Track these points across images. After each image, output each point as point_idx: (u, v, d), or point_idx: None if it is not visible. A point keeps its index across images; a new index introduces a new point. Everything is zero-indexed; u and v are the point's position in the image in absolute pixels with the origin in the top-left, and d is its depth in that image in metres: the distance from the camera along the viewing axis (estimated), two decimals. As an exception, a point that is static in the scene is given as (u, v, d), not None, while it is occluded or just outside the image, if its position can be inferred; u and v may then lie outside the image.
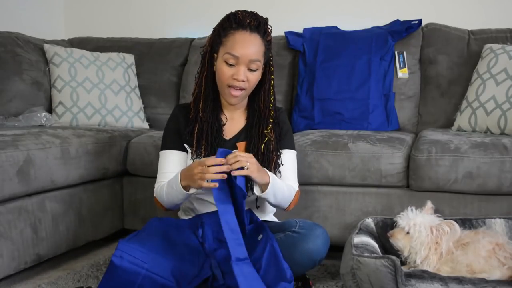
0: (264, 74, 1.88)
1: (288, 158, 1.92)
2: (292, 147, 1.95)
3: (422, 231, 1.74)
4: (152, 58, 3.15)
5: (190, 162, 1.84)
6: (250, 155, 1.72)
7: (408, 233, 1.76)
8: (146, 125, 2.93)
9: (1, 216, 1.92)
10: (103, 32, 3.41)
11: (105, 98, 2.83)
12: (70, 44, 3.25)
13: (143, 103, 3.00)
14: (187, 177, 1.72)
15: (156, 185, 1.89)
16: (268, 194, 1.76)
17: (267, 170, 1.77)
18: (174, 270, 1.65)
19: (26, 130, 2.21)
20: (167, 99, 3.08)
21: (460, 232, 1.76)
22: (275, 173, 1.85)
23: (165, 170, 1.88)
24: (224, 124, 1.89)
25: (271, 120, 1.87)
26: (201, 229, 1.82)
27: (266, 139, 1.85)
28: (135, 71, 3.04)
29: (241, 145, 1.87)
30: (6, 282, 2.04)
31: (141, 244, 1.66)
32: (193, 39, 3.20)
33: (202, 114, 1.85)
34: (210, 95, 1.87)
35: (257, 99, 1.90)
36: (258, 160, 1.79)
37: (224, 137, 1.88)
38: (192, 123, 1.86)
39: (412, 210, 1.80)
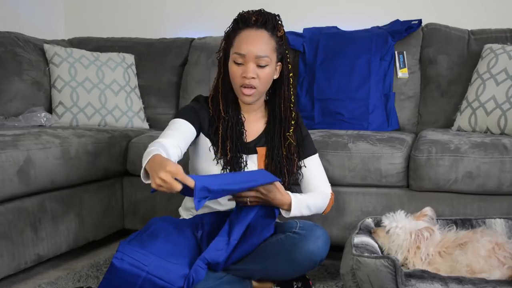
0: (281, 72, 1.88)
1: (315, 164, 1.94)
2: (315, 151, 1.97)
3: (400, 234, 1.74)
4: (152, 58, 3.15)
5: (213, 162, 1.84)
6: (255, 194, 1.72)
7: (388, 232, 1.78)
8: (146, 125, 2.93)
9: (1, 216, 1.92)
10: (103, 32, 3.41)
11: (105, 98, 2.83)
12: (70, 44, 3.25)
13: (143, 103, 3.00)
14: (153, 167, 1.51)
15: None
16: (294, 214, 1.80)
17: (289, 193, 1.79)
18: (175, 273, 1.65)
19: (26, 130, 2.21)
20: (167, 99, 3.08)
21: (439, 237, 1.76)
22: (296, 175, 1.89)
23: (169, 130, 1.76)
24: (243, 124, 1.89)
25: (292, 122, 1.88)
26: (201, 230, 1.82)
27: (288, 141, 1.86)
28: (135, 71, 3.05)
29: (262, 150, 1.88)
30: (6, 282, 2.04)
31: (142, 246, 1.66)
32: (193, 39, 3.20)
33: (225, 114, 1.85)
34: (230, 95, 1.87)
35: (277, 100, 1.89)
36: (282, 164, 1.83)
37: (244, 139, 1.88)
38: (215, 123, 1.85)
39: (401, 213, 1.80)
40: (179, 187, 1.44)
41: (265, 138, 1.89)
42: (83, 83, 2.82)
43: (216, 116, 1.86)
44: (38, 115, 2.70)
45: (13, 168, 1.93)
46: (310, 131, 2.45)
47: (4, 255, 1.92)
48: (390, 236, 1.76)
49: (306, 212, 1.84)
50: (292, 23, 3.02)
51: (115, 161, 2.44)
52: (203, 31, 3.24)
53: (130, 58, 3.05)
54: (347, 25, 2.98)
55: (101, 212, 2.41)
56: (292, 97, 1.90)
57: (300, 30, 2.99)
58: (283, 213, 1.81)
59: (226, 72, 1.86)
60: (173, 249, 1.70)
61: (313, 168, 1.93)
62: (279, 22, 1.84)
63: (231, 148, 1.83)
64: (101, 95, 2.83)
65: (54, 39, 3.21)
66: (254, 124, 1.91)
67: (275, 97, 1.90)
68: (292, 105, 1.89)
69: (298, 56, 2.91)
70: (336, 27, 2.99)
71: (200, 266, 1.67)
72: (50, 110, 2.82)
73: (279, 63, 1.86)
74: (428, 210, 1.82)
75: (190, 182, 1.45)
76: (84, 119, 2.79)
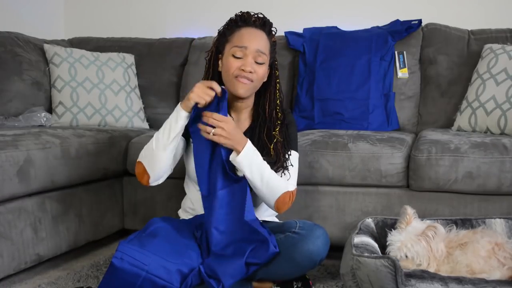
0: (269, 76, 1.89)
1: (291, 159, 1.89)
2: (295, 149, 1.93)
3: (417, 248, 1.71)
4: (152, 58, 3.15)
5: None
6: (227, 120, 1.70)
7: (407, 257, 1.72)
8: (146, 125, 2.93)
9: (1, 216, 1.92)
10: (103, 32, 3.41)
11: (105, 98, 2.83)
12: (70, 44, 3.25)
13: (143, 103, 3.00)
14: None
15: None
16: (240, 162, 1.72)
17: (247, 140, 1.75)
18: (174, 272, 1.65)
19: (26, 130, 2.21)
20: (167, 99, 3.08)
21: (444, 230, 1.75)
22: (281, 174, 1.83)
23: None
24: None
25: (278, 122, 1.87)
26: (200, 231, 1.82)
27: (275, 139, 1.84)
28: (135, 71, 3.05)
29: None
30: (6, 282, 2.04)
31: (142, 245, 1.66)
32: (193, 39, 3.20)
33: None
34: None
35: (262, 102, 1.89)
36: (271, 163, 1.80)
37: None
38: None
39: (391, 233, 1.77)
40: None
41: (249, 133, 1.88)
42: (83, 83, 2.82)
43: None
44: (38, 115, 2.70)
45: (13, 168, 1.93)
46: (310, 131, 2.47)
47: (4, 255, 1.92)
48: (413, 259, 1.71)
49: (255, 170, 1.74)
50: (292, 23, 3.03)
51: (115, 161, 2.44)
52: (203, 31, 3.24)
53: (130, 58, 3.05)
54: (347, 25, 2.98)
55: (101, 212, 2.41)
56: (278, 100, 1.90)
57: (300, 30, 2.98)
58: (232, 156, 1.74)
59: (214, 72, 1.86)
60: (173, 248, 1.71)
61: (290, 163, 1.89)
62: (274, 29, 1.87)
63: None
64: (101, 95, 2.83)
65: (54, 39, 3.21)
66: (242, 123, 1.92)
67: (259, 99, 1.91)
68: (278, 108, 1.89)
69: (298, 56, 2.91)
70: (336, 27, 2.99)
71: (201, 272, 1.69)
72: (50, 110, 2.82)
73: (269, 68, 1.87)
74: (408, 209, 1.80)
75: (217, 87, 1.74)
76: (84, 119, 2.79)
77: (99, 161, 2.35)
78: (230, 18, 1.86)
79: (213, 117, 1.69)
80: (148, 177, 1.80)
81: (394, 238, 1.75)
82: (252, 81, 1.81)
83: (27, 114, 2.68)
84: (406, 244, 1.72)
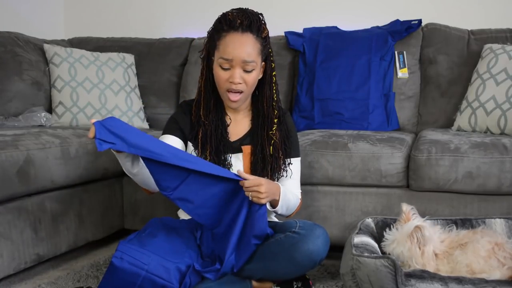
0: (264, 71, 1.86)
1: (294, 167, 1.92)
2: (298, 155, 1.95)
3: (401, 248, 1.71)
4: (152, 58, 3.15)
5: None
6: (258, 182, 1.67)
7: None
8: (146, 125, 2.93)
9: (1, 216, 1.92)
10: (103, 32, 3.41)
11: (105, 98, 2.83)
12: (70, 44, 3.25)
13: (143, 103, 3.00)
14: None
15: None
16: (278, 209, 1.81)
17: (278, 185, 1.78)
18: (174, 272, 1.65)
19: (26, 130, 2.21)
20: (167, 99, 3.08)
21: (432, 232, 1.74)
22: (281, 173, 1.87)
23: None
24: (228, 125, 1.89)
25: (275, 120, 1.87)
26: (200, 231, 1.83)
27: (273, 141, 1.85)
28: (135, 71, 3.05)
29: (247, 148, 1.87)
30: (6, 282, 2.04)
31: (142, 245, 1.67)
32: (193, 39, 3.20)
33: (205, 119, 1.84)
34: (211, 99, 1.86)
35: (260, 99, 1.89)
36: (267, 163, 1.82)
37: (229, 139, 1.87)
38: (196, 127, 1.85)
39: (389, 231, 1.78)
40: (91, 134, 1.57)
41: (250, 136, 1.89)
42: (83, 83, 2.82)
43: (197, 121, 1.86)
44: (38, 115, 2.70)
45: (13, 168, 1.93)
46: (310, 131, 2.47)
47: (4, 255, 1.92)
48: (398, 256, 1.71)
49: (284, 206, 1.82)
50: (292, 23, 3.03)
51: (115, 161, 2.42)
52: (203, 31, 3.22)
53: (130, 58, 3.05)
54: (347, 25, 2.98)
55: (101, 212, 2.41)
56: (275, 95, 1.88)
57: (300, 30, 2.98)
58: (268, 206, 1.79)
59: (208, 74, 1.84)
60: (173, 248, 1.71)
61: (291, 170, 1.92)
62: (263, 22, 1.81)
63: (211, 152, 1.82)
64: (101, 95, 2.83)
65: (54, 39, 3.20)
66: (240, 123, 1.91)
67: (258, 96, 1.90)
68: (274, 104, 1.88)
69: (298, 56, 2.91)
70: (336, 27, 2.99)
71: (197, 270, 1.70)
72: (50, 110, 2.82)
73: (263, 63, 1.85)
74: (404, 206, 1.80)
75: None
76: (84, 119, 2.79)
77: (99, 161, 2.35)
78: (217, 20, 1.81)
79: (244, 185, 1.66)
80: (150, 191, 1.85)
81: (387, 236, 1.77)
82: (242, 91, 1.80)
83: (27, 114, 2.68)
84: (392, 243, 1.74)
